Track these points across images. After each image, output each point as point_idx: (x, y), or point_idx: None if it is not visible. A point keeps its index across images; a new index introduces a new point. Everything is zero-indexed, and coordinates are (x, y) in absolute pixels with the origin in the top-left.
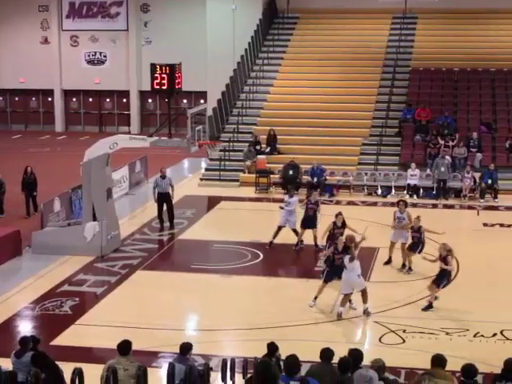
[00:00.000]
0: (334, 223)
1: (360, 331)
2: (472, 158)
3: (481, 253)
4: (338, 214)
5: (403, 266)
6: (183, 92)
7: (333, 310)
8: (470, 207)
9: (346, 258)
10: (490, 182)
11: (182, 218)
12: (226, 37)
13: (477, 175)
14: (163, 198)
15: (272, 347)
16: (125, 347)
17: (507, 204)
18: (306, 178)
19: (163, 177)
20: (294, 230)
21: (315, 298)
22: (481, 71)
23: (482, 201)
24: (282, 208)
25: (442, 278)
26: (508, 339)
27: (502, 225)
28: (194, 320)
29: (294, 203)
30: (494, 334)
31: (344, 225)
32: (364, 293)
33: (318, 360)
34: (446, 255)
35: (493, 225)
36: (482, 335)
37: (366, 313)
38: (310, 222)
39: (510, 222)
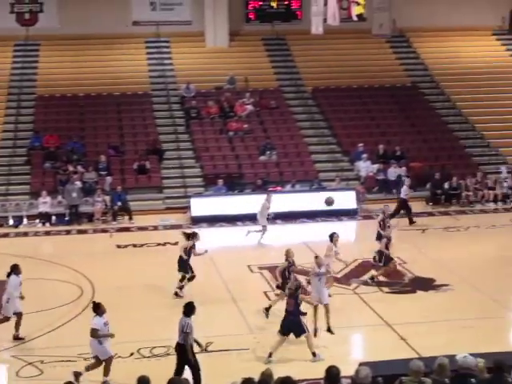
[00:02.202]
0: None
1: None
2: (102, 181)
3: (114, 275)
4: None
5: None
6: None
7: None
8: (104, 230)
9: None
10: (120, 203)
11: None
12: None
13: (107, 198)
14: None
15: None
16: None
17: (140, 224)
18: None
19: None
20: None
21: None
22: (105, 95)
23: (114, 223)
24: None
25: None
26: (145, 357)
27: (135, 245)
28: None
29: None
30: (132, 354)
31: None
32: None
33: None
34: None
35: (126, 246)
36: (120, 356)
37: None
38: None
39: (143, 241)
